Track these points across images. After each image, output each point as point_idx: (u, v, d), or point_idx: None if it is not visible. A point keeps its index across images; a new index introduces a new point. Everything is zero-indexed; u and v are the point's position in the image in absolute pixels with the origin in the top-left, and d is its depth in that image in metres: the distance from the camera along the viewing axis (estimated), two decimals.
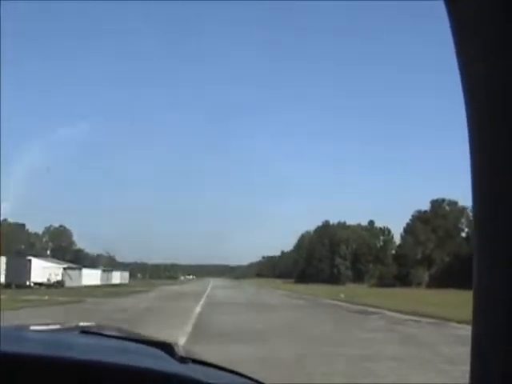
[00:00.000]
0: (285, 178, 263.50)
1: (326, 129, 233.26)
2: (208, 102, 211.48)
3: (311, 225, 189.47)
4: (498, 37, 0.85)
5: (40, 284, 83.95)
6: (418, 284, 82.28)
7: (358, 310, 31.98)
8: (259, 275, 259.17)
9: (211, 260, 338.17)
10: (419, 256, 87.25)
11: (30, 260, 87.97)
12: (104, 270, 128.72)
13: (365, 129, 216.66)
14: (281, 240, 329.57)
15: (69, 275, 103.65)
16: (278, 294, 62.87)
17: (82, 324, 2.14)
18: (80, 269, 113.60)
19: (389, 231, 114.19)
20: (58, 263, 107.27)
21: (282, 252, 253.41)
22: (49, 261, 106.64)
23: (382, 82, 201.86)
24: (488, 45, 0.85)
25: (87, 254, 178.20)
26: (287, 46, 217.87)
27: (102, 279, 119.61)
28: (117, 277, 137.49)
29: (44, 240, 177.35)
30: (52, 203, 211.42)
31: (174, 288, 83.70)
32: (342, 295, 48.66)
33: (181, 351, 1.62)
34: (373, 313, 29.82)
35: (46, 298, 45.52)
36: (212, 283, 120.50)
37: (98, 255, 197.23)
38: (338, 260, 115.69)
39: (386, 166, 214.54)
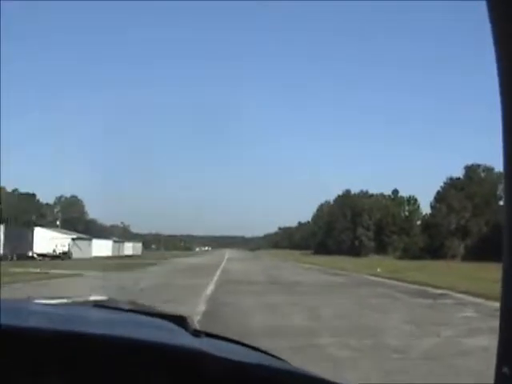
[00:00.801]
0: (302, 148, 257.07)
1: (345, 97, 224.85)
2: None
3: (330, 195, 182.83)
4: None
5: (44, 255, 77.86)
6: (453, 256, 74.43)
7: (417, 292, 24.12)
8: (275, 246, 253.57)
9: (227, 231, 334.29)
10: (453, 226, 79.20)
11: (32, 229, 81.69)
12: (115, 241, 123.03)
13: (385, 96, 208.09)
14: (297, 211, 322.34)
15: (78, 246, 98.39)
16: (302, 267, 55.38)
17: (94, 298, 2.01)
18: (90, 239, 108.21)
19: (415, 200, 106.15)
20: (67, 234, 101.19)
21: (299, 223, 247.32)
22: (57, 231, 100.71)
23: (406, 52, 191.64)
24: None
25: (100, 225, 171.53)
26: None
27: (113, 250, 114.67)
28: (129, 248, 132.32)
29: (56, 211, 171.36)
30: (64, 173, 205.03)
31: (188, 260, 77.29)
32: (379, 269, 41.16)
33: (194, 324, 1.60)
34: (440, 296, 22.05)
35: (38, 270, 39.18)
36: (228, 255, 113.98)
37: (113, 226, 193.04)
38: (360, 231, 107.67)
39: (408, 135, 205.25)
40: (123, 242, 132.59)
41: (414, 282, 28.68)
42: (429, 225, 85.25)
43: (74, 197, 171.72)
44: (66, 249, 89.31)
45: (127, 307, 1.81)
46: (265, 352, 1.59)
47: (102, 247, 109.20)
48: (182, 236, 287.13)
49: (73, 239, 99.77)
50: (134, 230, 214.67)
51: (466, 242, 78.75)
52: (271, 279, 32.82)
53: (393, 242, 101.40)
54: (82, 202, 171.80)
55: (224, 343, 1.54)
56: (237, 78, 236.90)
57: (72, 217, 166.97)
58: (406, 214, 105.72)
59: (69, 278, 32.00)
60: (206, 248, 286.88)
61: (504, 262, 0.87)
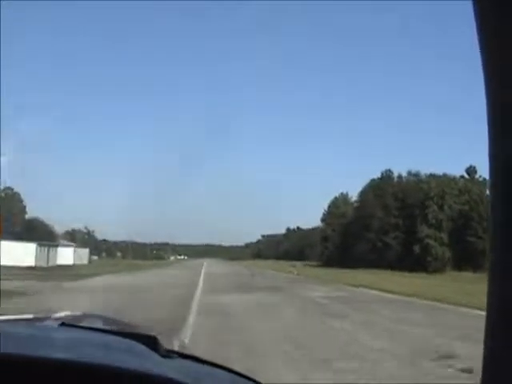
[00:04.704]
0: (289, 146, 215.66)
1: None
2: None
3: (328, 196, 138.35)
4: None
5: None
6: None
7: None
8: (258, 256, 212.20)
9: (204, 240, 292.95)
10: None
11: None
12: (42, 245, 77.09)
13: None
14: (284, 217, 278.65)
15: None
16: None
17: (60, 314, 1.84)
18: None
19: None
20: None
21: (288, 229, 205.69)
22: None
23: None
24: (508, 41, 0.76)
25: (46, 226, 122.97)
26: None
27: (38, 258, 70.96)
28: (66, 255, 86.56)
29: None
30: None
31: (141, 280, 33.78)
32: None
33: (166, 344, 1.49)
34: None
35: None
36: (206, 268, 69.52)
37: (74, 230, 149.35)
38: (425, 230, 61.90)
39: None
40: (56, 246, 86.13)
41: None
42: None
43: (8, 188, 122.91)
44: None
45: (96, 325, 1.69)
46: (241, 375, 1.47)
47: (17, 253, 64.60)
48: (156, 244, 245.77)
49: None
50: (102, 235, 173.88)
51: None
52: None
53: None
54: (19, 195, 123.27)
55: (196, 365, 1.43)
56: (216, 85, 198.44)
57: (12, 214, 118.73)
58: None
59: None
60: (182, 257, 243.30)
61: (490, 266, 0.80)
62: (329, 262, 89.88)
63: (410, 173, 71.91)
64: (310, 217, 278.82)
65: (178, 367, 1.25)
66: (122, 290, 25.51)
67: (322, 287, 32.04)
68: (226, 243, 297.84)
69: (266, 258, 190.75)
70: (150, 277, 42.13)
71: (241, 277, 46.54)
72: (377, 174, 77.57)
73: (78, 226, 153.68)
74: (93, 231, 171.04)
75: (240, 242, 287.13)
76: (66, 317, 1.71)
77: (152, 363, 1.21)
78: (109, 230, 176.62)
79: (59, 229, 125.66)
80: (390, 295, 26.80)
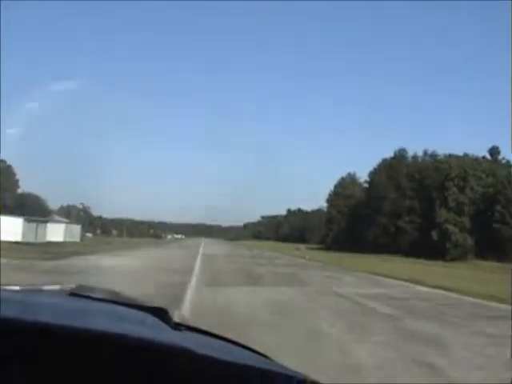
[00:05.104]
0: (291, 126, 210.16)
1: None
2: None
3: (326, 179, 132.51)
4: None
5: None
6: None
7: None
8: (257, 237, 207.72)
9: (201, 219, 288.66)
10: None
11: None
12: (30, 220, 72.25)
13: None
14: (285, 198, 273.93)
15: None
16: None
17: (69, 286, 1.81)
18: None
19: None
20: None
21: (288, 211, 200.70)
22: None
23: None
24: None
25: (40, 201, 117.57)
26: None
27: (25, 233, 65.73)
28: (57, 232, 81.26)
29: None
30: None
31: (131, 262, 29.79)
32: None
33: (175, 317, 1.49)
34: None
35: None
36: (204, 248, 64.16)
37: (69, 206, 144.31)
38: (444, 214, 56.37)
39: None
40: (46, 222, 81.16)
41: None
42: None
43: (2, 161, 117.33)
44: None
45: (105, 297, 1.66)
46: (247, 348, 1.46)
47: (3, 227, 60.25)
48: (153, 222, 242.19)
49: None
50: (98, 212, 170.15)
51: None
52: None
53: None
54: (11, 168, 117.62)
55: (206, 338, 1.42)
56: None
57: (5, 188, 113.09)
58: None
59: None
60: (179, 236, 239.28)
61: None
62: (333, 245, 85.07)
63: (425, 153, 66.30)
64: (312, 198, 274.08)
65: (190, 339, 1.22)
66: (102, 277, 20.19)
67: (348, 277, 26.67)
68: (224, 223, 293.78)
69: (266, 239, 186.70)
70: (141, 258, 36.86)
71: (244, 260, 41.35)
72: (389, 154, 72.60)
73: (74, 202, 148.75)
74: (88, 207, 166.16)
75: (239, 222, 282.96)
76: (75, 288, 1.65)
77: (164, 334, 1.19)
78: (106, 207, 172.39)
79: (54, 204, 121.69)
80: (456, 295, 18.92)
